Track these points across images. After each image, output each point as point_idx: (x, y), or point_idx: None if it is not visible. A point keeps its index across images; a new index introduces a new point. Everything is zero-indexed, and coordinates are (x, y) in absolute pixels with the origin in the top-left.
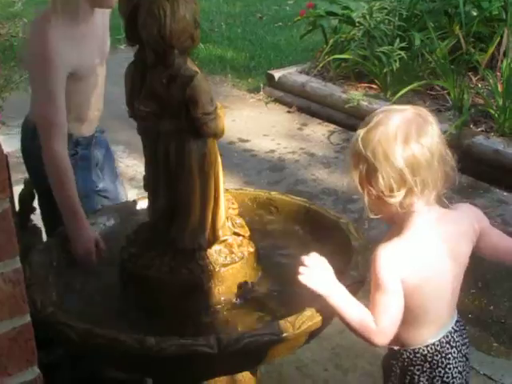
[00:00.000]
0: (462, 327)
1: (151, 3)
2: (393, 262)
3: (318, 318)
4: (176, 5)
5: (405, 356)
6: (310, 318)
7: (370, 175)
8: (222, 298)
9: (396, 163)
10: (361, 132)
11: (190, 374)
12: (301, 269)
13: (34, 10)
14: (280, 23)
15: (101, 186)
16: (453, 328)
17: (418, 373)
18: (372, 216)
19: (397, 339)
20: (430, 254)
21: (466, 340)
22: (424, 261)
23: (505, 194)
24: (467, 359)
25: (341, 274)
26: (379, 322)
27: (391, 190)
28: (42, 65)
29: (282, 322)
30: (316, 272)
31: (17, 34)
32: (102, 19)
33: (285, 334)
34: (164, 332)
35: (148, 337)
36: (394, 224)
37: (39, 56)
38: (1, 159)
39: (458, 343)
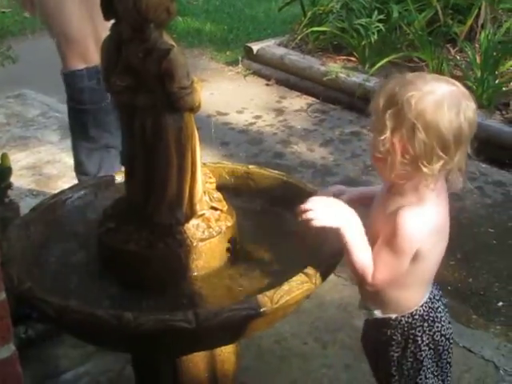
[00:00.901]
0: (432, 280)
1: None
2: (419, 231)
3: (297, 292)
4: None
5: (403, 322)
6: (287, 293)
7: (412, 140)
8: (201, 273)
9: (444, 133)
10: (409, 96)
11: (168, 349)
12: (308, 215)
13: None
14: None
15: None
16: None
17: (419, 334)
18: (396, 180)
19: (397, 307)
20: (443, 218)
21: (441, 292)
22: (440, 226)
23: (483, 166)
24: (447, 308)
25: (320, 246)
26: (378, 276)
27: (430, 160)
28: None
29: (260, 297)
30: (322, 210)
31: None
32: None
33: (263, 309)
34: (142, 307)
35: (125, 312)
36: (407, 189)
37: None
38: None
39: (438, 296)
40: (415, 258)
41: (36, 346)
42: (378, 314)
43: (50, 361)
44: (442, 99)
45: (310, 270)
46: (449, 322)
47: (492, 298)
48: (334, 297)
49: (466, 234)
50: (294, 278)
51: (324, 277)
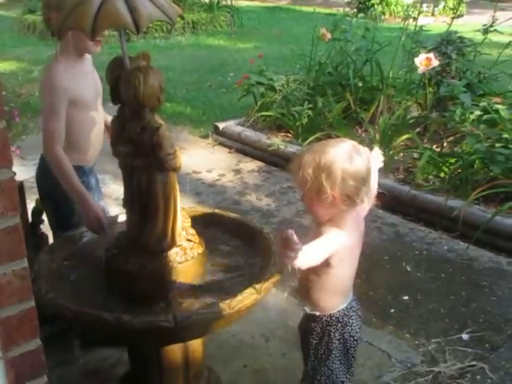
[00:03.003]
0: (355, 297)
1: (129, 74)
2: (337, 238)
3: (247, 301)
4: (147, 76)
5: (323, 319)
6: (241, 301)
7: (346, 188)
8: (179, 287)
9: (363, 174)
10: (331, 161)
11: (154, 342)
12: (292, 254)
13: None
14: (224, 89)
15: None
16: (352, 297)
17: (333, 330)
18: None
19: (319, 307)
20: (353, 241)
21: (359, 306)
22: (350, 245)
23: (381, 211)
24: (361, 319)
25: (263, 269)
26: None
27: (359, 194)
28: (48, 87)
29: (220, 304)
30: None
31: (33, 94)
32: (90, 65)
33: (223, 313)
34: (136, 311)
35: (124, 315)
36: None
37: (47, 83)
38: (14, 187)
39: (355, 308)
40: (328, 265)
41: (57, 338)
42: (307, 310)
43: (67, 349)
44: (350, 154)
45: (257, 285)
46: (359, 328)
47: (386, 307)
48: (275, 304)
49: (368, 261)
50: (246, 291)
51: (268, 289)
